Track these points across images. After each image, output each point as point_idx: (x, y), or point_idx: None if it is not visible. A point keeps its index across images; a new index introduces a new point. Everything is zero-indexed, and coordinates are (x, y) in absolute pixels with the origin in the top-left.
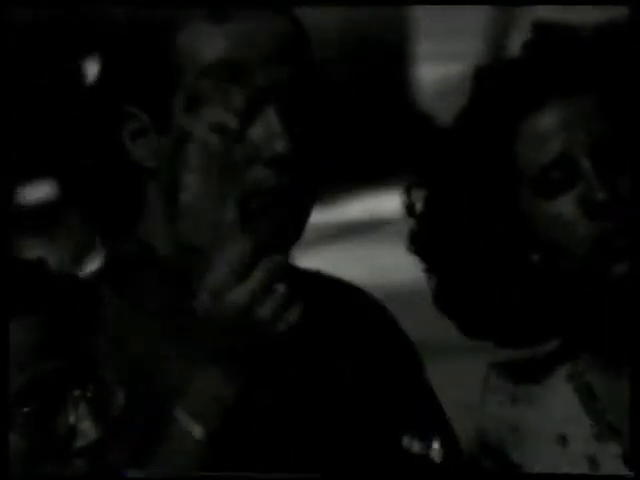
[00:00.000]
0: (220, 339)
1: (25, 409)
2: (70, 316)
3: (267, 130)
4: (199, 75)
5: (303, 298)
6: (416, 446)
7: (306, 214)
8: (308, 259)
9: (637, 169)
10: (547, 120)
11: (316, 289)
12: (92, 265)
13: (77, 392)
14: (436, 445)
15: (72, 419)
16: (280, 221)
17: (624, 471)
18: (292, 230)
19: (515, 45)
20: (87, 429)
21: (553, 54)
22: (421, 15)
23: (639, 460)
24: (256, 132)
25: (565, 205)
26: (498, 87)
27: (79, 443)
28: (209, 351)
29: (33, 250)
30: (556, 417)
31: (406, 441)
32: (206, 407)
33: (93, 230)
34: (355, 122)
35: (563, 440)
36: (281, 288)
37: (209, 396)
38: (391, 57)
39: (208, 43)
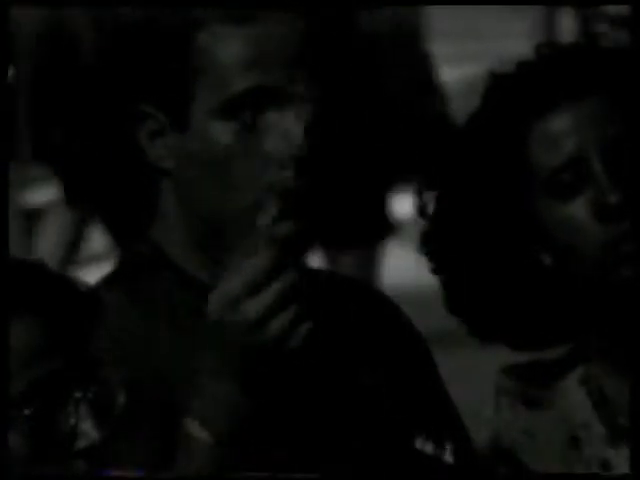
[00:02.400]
0: (231, 350)
1: (26, 411)
2: (71, 317)
3: (285, 131)
4: (230, 82)
5: (317, 298)
6: (429, 448)
7: (323, 216)
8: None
9: None
10: (559, 122)
11: (329, 289)
12: (103, 266)
13: (78, 393)
14: (449, 447)
15: (73, 420)
16: (298, 223)
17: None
18: (310, 232)
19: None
20: (88, 430)
21: (565, 57)
22: (436, 16)
23: (639, 460)
24: (274, 133)
25: (577, 207)
26: (511, 90)
27: (80, 444)
28: (220, 361)
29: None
30: (569, 420)
31: (419, 443)
32: (216, 414)
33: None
34: (370, 123)
35: (575, 443)
36: (292, 307)
37: (220, 404)
38: (406, 57)
39: (227, 44)
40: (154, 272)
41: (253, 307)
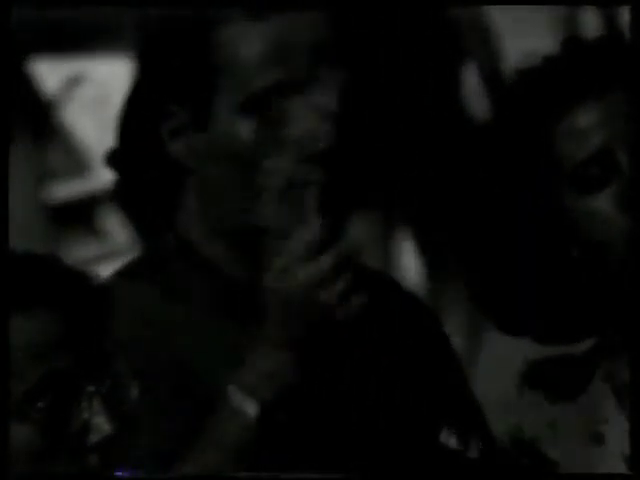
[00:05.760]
0: (283, 321)
1: (39, 404)
2: (84, 311)
3: (309, 125)
4: (251, 79)
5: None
6: (453, 442)
7: (348, 210)
8: None
9: None
10: (586, 117)
11: (376, 287)
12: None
13: (91, 388)
14: (472, 440)
15: (87, 414)
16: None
17: None
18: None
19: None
20: (102, 424)
21: (591, 52)
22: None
23: (639, 460)
24: (297, 128)
25: (603, 200)
26: (537, 85)
27: (94, 438)
28: (273, 329)
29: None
30: (593, 416)
31: (443, 437)
32: (261, 383)
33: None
34: (395, 115)
35: (599, 439)
36: (348, 276)
37: (265, 373)
38: (439, 54)
39: (248, 40)
40: (176, 260)
41: (309, 272)
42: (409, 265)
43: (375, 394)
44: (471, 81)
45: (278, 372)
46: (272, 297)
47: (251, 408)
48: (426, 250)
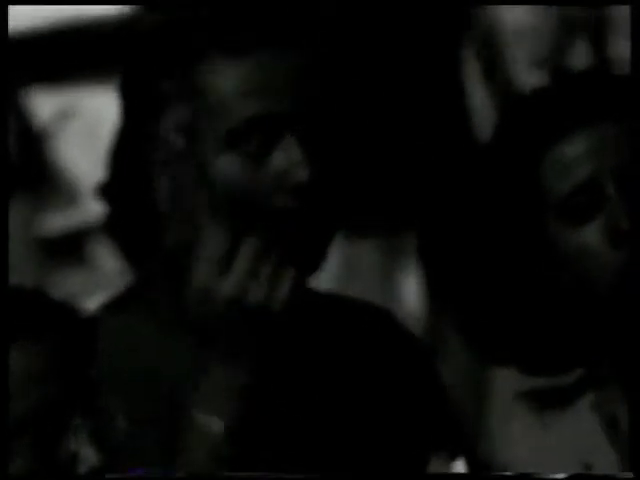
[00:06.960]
0: (220, 332)
1: (26, 436)
2: (71, 344)
3: (288, 159)
4: (228, 115)
5: (318, 317)
6: (441, 468)
7: (327, 240)
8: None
9: None
10: (573, 148)
11: (332, 311)
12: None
13: (77, 421)
14: (461, 468)
15: (74, 446)
16: (300, 247)
17: None
18: (313, 256)
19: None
20: (89, 456)
21: (579, 83)
22: None
23: (639, 460)
24: (277, 161)
25: (590, 233)
26: (526, 116)
27: (81, 469)
28: (213, 346)
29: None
30: (581, 446)
31: (431, 463)
32: (221, 400)
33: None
34: (379, 145)
35: (588, 469)
36: (266, 269)
37: (221, 389)
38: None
39: (228, 76)
40: (165, 291)
41: (228, 286)
42: (411, 296)
43: (355, 421)
44: (476, 102)
45: (235, 387)
46: (199, 317)
47: (216, 425)
48: (429, 281)
